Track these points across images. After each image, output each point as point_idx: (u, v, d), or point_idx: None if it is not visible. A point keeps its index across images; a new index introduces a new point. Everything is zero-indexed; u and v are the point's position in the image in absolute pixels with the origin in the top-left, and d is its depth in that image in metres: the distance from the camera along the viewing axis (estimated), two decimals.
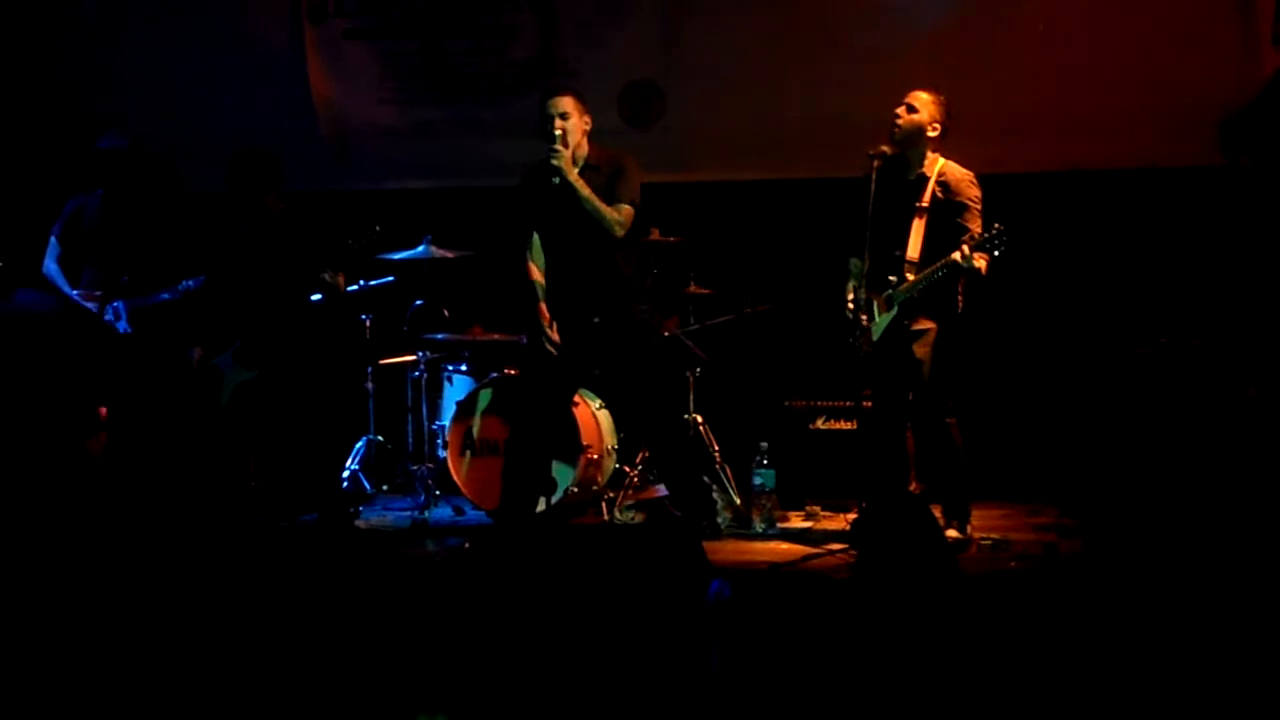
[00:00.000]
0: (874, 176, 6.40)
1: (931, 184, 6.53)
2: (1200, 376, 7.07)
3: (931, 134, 6.55)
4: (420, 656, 4.83)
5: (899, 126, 6.55)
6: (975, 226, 6.40)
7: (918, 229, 6.50)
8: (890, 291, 6.55)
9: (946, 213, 6.47)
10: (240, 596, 5.59)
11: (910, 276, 6.47)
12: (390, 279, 7.80)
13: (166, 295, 7.38)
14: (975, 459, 6.76)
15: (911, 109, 6.54)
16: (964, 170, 6.56)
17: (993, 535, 6.71)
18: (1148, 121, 7.86)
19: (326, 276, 6.93)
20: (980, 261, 6.28)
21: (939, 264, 6.36)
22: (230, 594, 5.63)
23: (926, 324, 6.55)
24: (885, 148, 6.50)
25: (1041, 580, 5.90)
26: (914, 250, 6.50)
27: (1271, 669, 4.40)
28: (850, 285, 6.73)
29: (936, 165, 6.56)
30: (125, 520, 7.05)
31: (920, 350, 6.53)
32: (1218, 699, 4.24)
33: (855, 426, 7.40)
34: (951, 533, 6.53)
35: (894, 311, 6.55)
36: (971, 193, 6.50)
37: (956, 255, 6.27)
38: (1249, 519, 6.34)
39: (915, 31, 8.09)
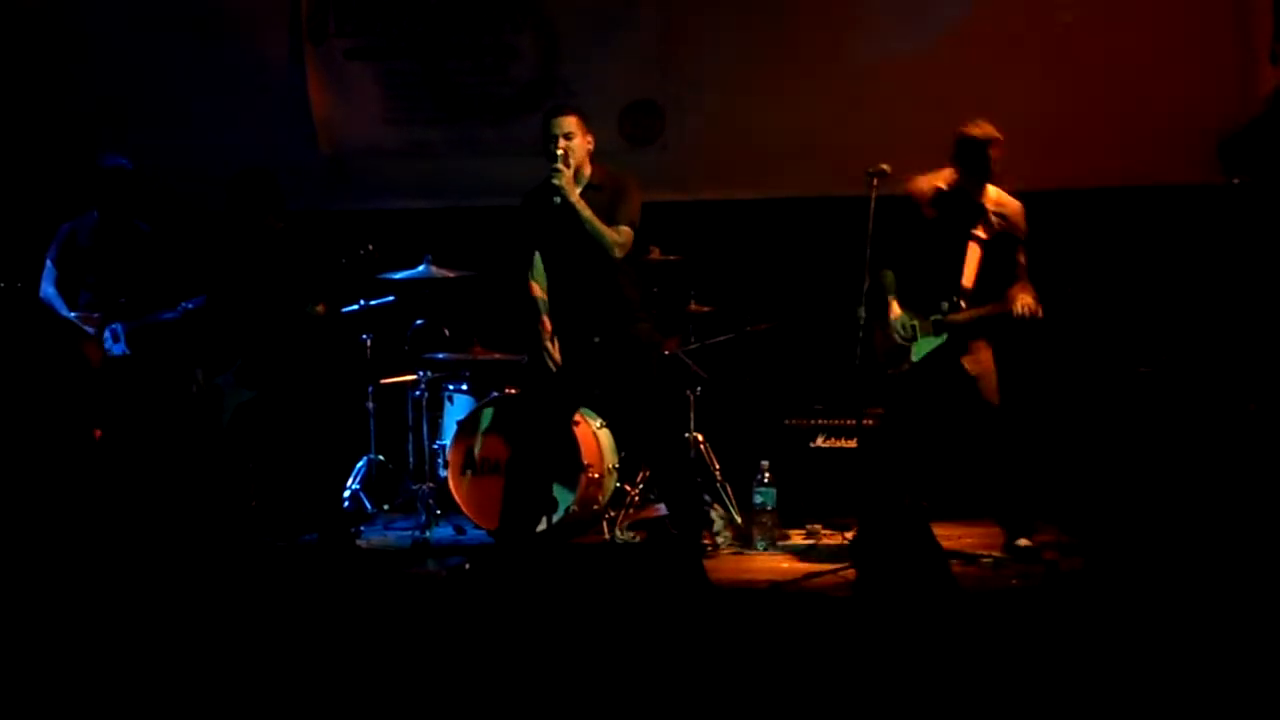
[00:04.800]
0: (873, 196, 6.41)
1: (990, 214, 6.55)
2: (1199, 394, 7.08)
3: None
4: (422, 674, 4.83)
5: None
6: (1023, 260, 6.49)
7: (973, 258, 6.52)
8: (939, 317, 6.56)
9: (1003, 245, 6.52)
10: (242, 616, 5.59)
11: (964, 306, 6.50)
12: (391, 299, 7.81)
13: (166, 315, 7.38)
14: (975, 478, 6.80)
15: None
16: (1016, 201, 6.60)
17: (994, 553, 6.71)
18: (1145, 139, 7.88)
19: (309, 309, 6.97)
20: (1040, 311, 6.38)
21: (995, 309, 6.45)
22: (232, 613, 5.64)
23: (981, 349, 6.58)
24: (884, 165, 6.50)
25: (1043, 598, 5.91)
26: (969, 279, 6.52)
27: (1272, 684, 4.40)
28: (893, 306, 6.71)
29: (991, 193, 6.59)
30: (127, 540, 7.07)
31: (972, 367, 6.55)
32: (1218, 714, 4.25)
33: (856, 445, 7.39)
34: (1024, 541, 6.58)
35: (942, 338, 6.56)
36: (1024, 226, 6.57)
37: (1019, 308, 6.36)
38: (1249, 536, 6.35)
39: (911, 51, 8.11)
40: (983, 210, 6.57)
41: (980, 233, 6.55)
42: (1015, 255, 6.51)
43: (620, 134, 8.44)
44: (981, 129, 6.49)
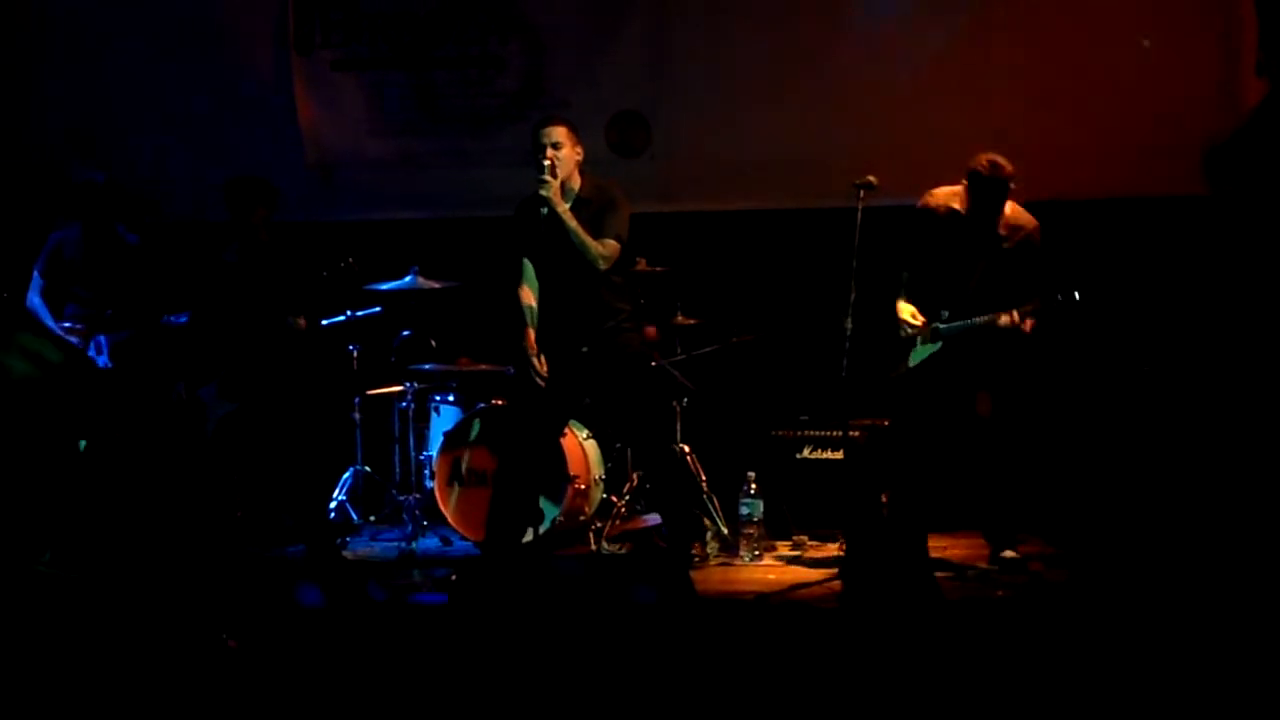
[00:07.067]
0: (859, 208, 6.42)
1: (1007, 235, 6.54)
2: (1183, 404, 7.09)
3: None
4: (408, 686, 4.82)
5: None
6: (1037, 275, 6.48)
7: (982, 272, 6.53)
8: (938, 325, 6.59)
9: (1018, 262, 6.52)
10: (228, 628, 5.58)
11: (966, 315, 6.52)
12: (377, 310, 7.80)
13: (150, 328, 7.37)
14: (960, 488, 6.81)
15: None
16: (1031, 218, 6.61)
17: (979, 565, 6.71)
18: (1131, 151, 7.89)
19: (290, 322, 6.98)
20: (1028, 324, 6.38)
21: (987, 318, 6.46)
22: (217, 625, 5.63)
23: (981, 360, 6.60)
24: (871, 178, 6.52)
25: (1028, 609, 5.91)
26: (975, 290, 6.55)
27: (1259, 695, 4.41)
28: (906, 307, 6.73)
29: (1006, 210, 6.57)
30: (111, 552, 7.05)
31: (980, 391, 6.58)
32: None
33: (842, 456, 7.38)
34: (1010, 553, 6.63)
35: (936, 345, 6.58)
36: (1038, 242, 6.57)
37: (1005, 319, 6.40)
38: (1234, 547, 6.36)
39: (898, 64, 8.13)
40: (995, 234, 6.56)
41: (991, 245, 6.56)
42: (1026, 271, 6.50)
43: (607, 145, 8.43)
44: (994, 169, 6.43)
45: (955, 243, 6.59)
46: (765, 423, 7.77)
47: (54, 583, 6.49)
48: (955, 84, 8.04)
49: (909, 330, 6.68)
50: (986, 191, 6.45)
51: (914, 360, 6.69)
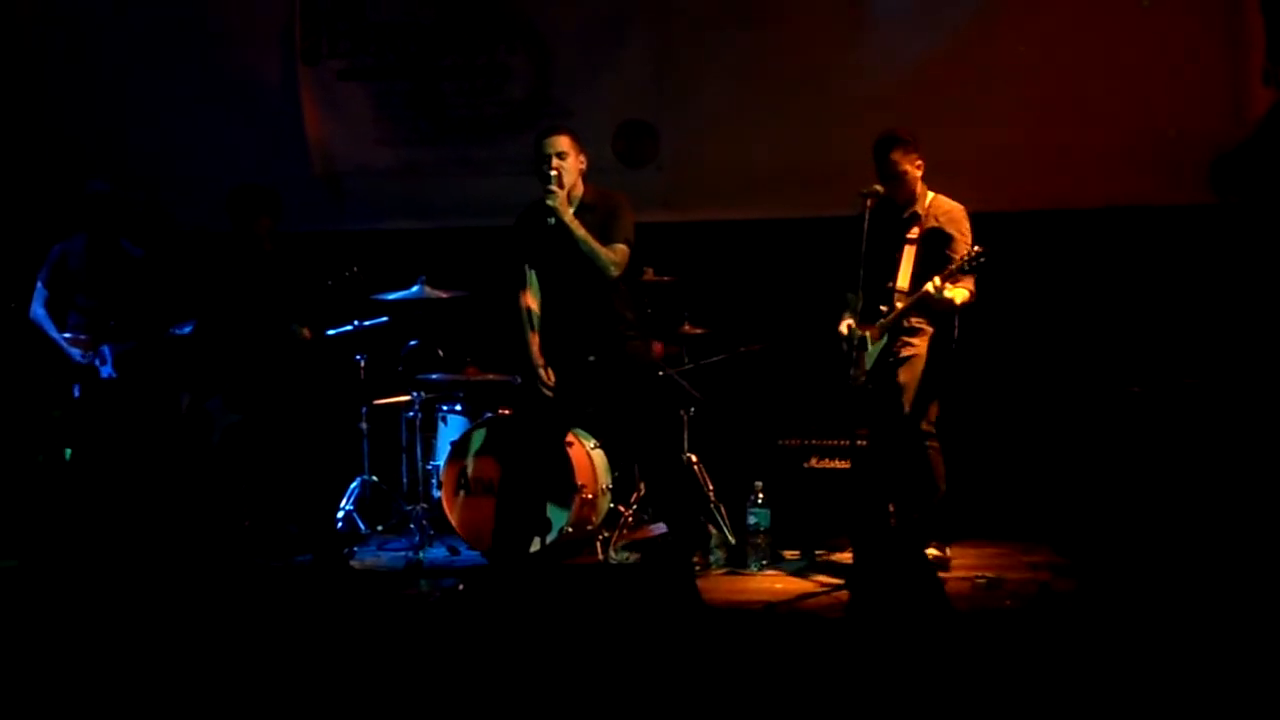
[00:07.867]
0: (867, 214, 6.43)
1: (924, 217, 6.68)
2: (1193, 415, 7.08)
3: (919, 174, 6.72)
4: (416, 696, 4.82)
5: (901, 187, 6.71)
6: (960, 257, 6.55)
7: (908, 260, 6.65)
8: (881, 321, 6.63)
9: (936, 243, 6.64)
10: (237, 637, 5.59)
11: (899, 305, 6.56)
12: (384, 319, 7.80)
13: (154, 339, 7.38)
14: (969, 497, 6.79)
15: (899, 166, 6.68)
16: (954, 203, 6.74)
17: (987, 574, 6.70)
18: (1138, 160, 7.89)
19: (293, 329, 6.99)
20: (955, 292, 6.44)
21: (915, 295, 6.52)
22: (227, 634, 5.63)
23: (911, 350, 6.66)
24: (877, 186, 6.53)
25: (1036, 619, 5.90)
26: (904, 280, 6.64)
27: (1265, 702, 4.41)
28: (845, 320, 6.78)
29: (928, 199, 6.73)
30: (119, 563, 7.06)
31: (904, 375, 6.63)
32: None
33: (849, 465, 7.38)
34: (931, 551, 6.67)
35: (884, 340, 6.64)
36: (962, 225, 6.68)
37: (929, 286, 6.45)
38: (1242, 557, 6.35)
39: (903, 70, 8.13)
40: (916, 215, 6.71)
41: (912, 235, 6.69)
42: (949, 253, 6.58)
43: (614, 154, 8.44)
44: (884, 132, 6.70)
45: (882, 231, 6.62)
46: (772, 432, 7.76)
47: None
48: (960, 93, 8.04)
49: (855, 346, 6.71)
50: (884, 151, 6.67)
51: (869, 363, 6.71)
